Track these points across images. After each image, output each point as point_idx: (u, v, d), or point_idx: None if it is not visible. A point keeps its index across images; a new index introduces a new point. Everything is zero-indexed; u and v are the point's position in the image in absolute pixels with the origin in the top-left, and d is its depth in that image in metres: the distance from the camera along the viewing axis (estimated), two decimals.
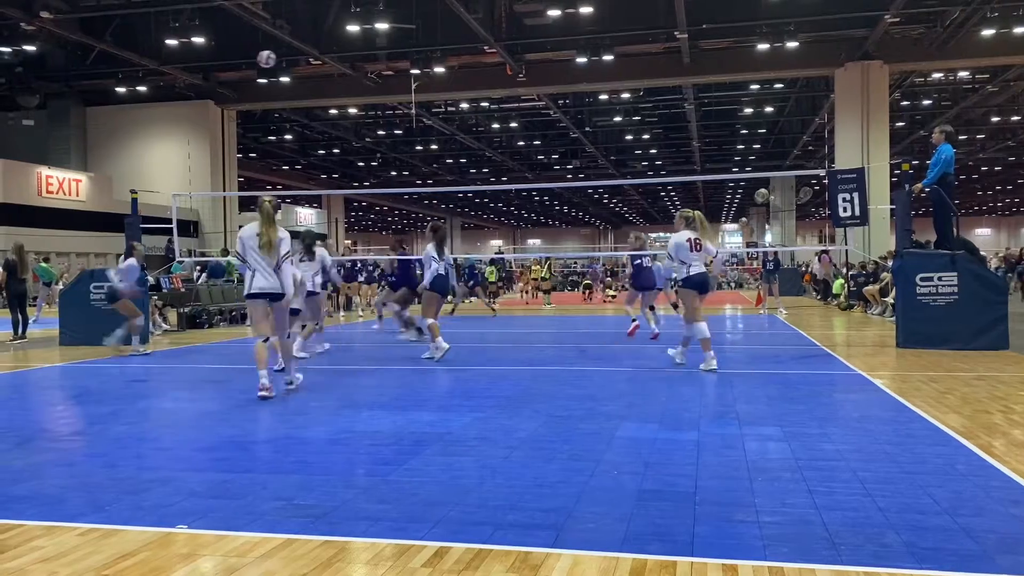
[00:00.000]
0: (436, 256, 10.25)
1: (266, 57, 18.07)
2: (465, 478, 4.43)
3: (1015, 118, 36.64)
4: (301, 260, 10.22)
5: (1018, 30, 22.60)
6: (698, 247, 8.78)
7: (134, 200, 13.18)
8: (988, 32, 22.93)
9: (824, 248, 27.24)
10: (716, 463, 4.69)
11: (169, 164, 30.57)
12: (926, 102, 34.24)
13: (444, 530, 3.55)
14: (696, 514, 3.72)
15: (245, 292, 7.54)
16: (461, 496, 4.07)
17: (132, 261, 11.52)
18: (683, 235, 8.85)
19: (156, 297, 15.33)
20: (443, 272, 10.27)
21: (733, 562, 3.13)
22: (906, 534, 3.40)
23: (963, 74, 30.24)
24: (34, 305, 19.65)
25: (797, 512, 3.73)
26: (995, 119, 37.03)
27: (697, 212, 9.08)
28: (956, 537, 3.37)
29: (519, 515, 3.76)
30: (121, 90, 28.79)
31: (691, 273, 8.78)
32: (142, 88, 28.56)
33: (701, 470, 4.51)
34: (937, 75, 30.53)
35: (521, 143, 42.78)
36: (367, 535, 3.51)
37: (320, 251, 10.75)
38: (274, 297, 7.50)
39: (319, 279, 10.57)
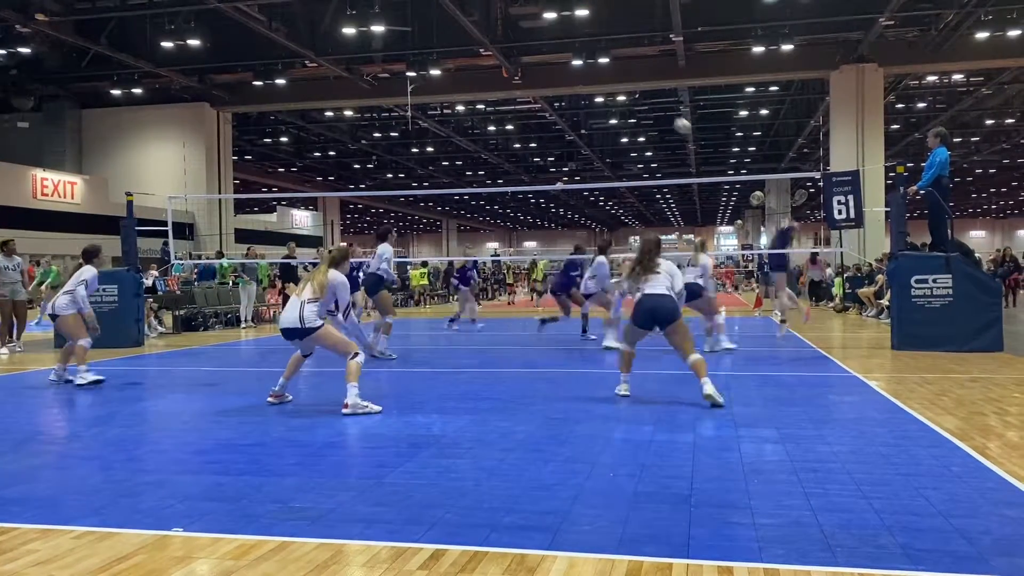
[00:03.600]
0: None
1: None
2: (461, 480, 4.43)
3: (1009, 121, 36.76)
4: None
5: (1012, 33, 22.68)
6: None
7: (130, 203, 13.15)
8: (982, 35, 23.01)
9: (814, 251, 27.28)
10: (712, 465, 4.69)
11: (164, 166, 30.51)
12: (921, 105, 34.34)
13: (440, 532, 3.56)
14: (692, 516, 3.73)
15: None
16: (457, 498, 4.07)
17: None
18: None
19: (151, 299, 15.29)
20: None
21: (729, 564, 3.14)
22: (901, 536, 3.41)
23: (957, 77, 30.33)
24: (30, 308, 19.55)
25: (793, 514, 3.74)
26: (989, 122, 37.13)
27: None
28: (951, 539, 3.38)
29: (515, 517, 3.76)
30: (116, 92, 28.72)
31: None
32: (137, 90, 28.50)
33: (697, 472, 4.52)
34: (932, 78, 30.61)
35: (517, 145, 42.80)
36: (363, 537, 3.51)
37: None
38: (292, 334, 6.84)
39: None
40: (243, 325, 17.46)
